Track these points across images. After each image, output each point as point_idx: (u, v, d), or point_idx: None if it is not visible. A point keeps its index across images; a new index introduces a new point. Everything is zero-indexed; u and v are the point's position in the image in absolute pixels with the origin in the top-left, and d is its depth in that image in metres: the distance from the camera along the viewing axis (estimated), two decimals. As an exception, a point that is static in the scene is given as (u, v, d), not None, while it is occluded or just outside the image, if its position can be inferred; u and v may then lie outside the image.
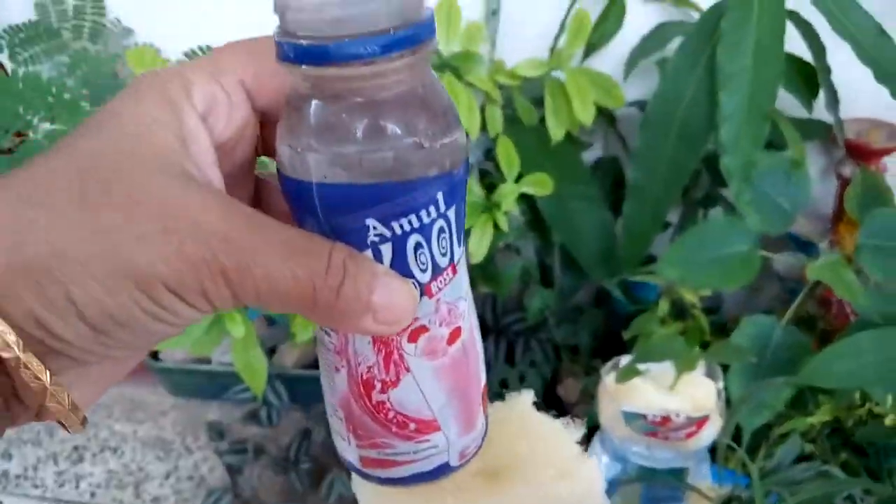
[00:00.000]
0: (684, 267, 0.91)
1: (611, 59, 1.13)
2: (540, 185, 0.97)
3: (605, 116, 1.20)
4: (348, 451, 0.28)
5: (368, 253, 0.23)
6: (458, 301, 0.26)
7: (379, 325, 0.23)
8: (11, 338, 0.19)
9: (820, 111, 1.13)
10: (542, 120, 1.04)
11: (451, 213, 0.24)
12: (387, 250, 0.23)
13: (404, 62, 0.21)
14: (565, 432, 0.31)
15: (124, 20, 1.19)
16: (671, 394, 0.70)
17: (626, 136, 1.20)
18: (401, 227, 0.22)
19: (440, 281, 0.24)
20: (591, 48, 1.07)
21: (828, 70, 1.01)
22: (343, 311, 0.22)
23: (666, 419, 0.67)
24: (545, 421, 0.31)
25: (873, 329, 0.86)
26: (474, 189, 0.93)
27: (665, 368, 0.71)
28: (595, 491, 0.30)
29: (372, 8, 0.20)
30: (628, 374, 0.71)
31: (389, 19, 0.20)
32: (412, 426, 0.26)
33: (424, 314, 0.24)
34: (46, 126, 0.93)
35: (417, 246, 0.23)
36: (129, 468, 1.65)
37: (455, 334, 0.26)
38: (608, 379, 0.70)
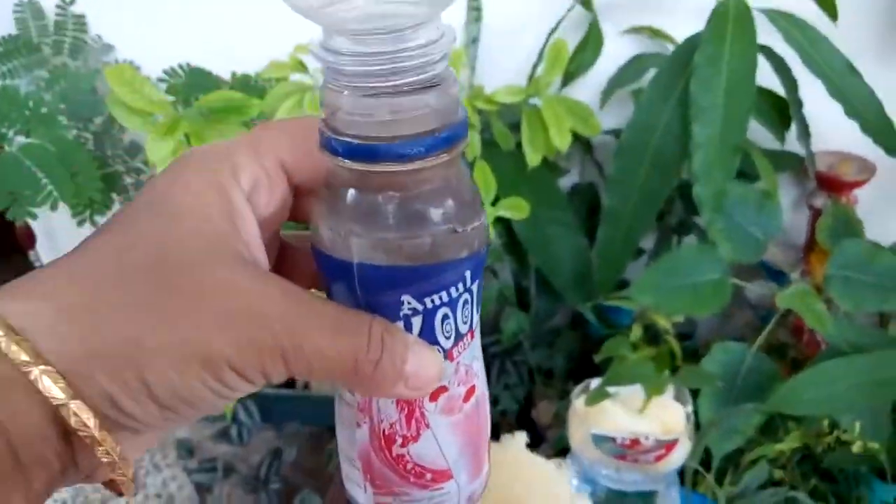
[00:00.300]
0: (657, 293, 0.92)
1: (588, 88, 1.14)
2: (516, 209, 0.98)
3: (582, 144, 1.22)
4: (364, 497, 0.30)
5: (400, 324, 0.25)
6: (473, 362, 0.28)
7: (409, 390, 0.25)
8: (91, 419, 0.21)
9: (792, 143, 1.16)
10: (519, 145, 1.05)
11: (475, 287, 0.26)
12: (417, 322, 0.25)
13: (443, 159, 0.23)
14: (557, 473, 0.34)
15: (105, 36, 1.19)
16: (641, 417, 0.71)
17: (603, 164, 1.22)
18: (432, 301, 0.25)
19: (461, 346, 0.27)
20: (568, 77, 1.09)
21: (799, 103, 1.03)
22: (379, 380, 0.24)
23: (635, 442, 0.68)
24: (538, 462, 0.36)
25: (841, 357, 0.87)
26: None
27: (635, 392, 0.71)
28: None
29: (418, 114, 0.22)
30: (598, 397, 0.71)
31: (432, 122, 0.23)
32: (428, 476, 0.28)
33: (445, 376, 0.27)
34: (21, 139, 0.93)
35: (444, 317, 0.26)
36: (95, 485, 1.62)
37: (470, 392, 0.28)
38: (578, 402, 0.71)
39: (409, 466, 0.28)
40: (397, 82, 0.22)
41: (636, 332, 0.93)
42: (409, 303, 0.25)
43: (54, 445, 0.22)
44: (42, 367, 0.21)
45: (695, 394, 0.85)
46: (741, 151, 0.85)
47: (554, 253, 1.06)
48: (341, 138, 0.23)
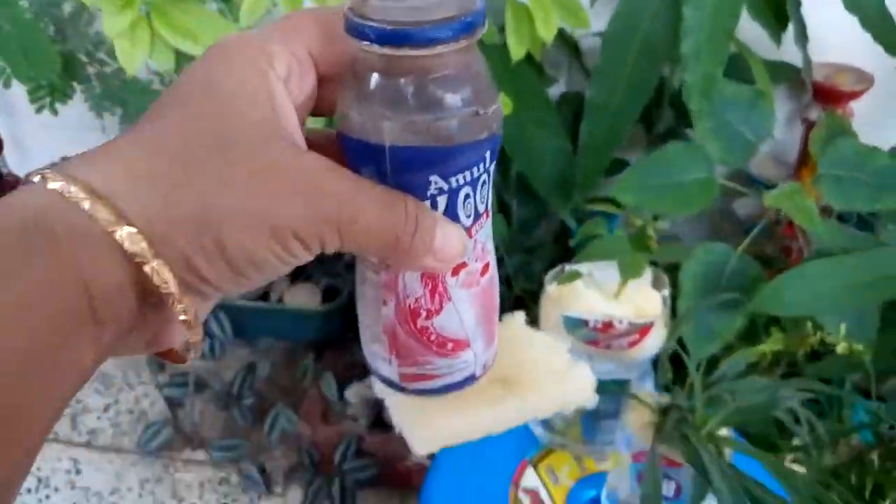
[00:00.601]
0: (640, 192, 0.88)
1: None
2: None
3: (570, 48, 1.17)
4: (388, 369, 0.32)
5: (427, 203, 0.27)
6: (487, 240, 0.30)
7: (438, 262, 0.27)
8: (171, 278, 0.23)
9: (788, 54, 1.11)
10: (505, 45, 1.00)
11: (492, 168, 0.28)
12: (442, 201, 0.27)
13: (465, 44, 0.25)
14: (556, 343, 0.37)
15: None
16: (615, 302, 0.67)
17: (591, 70, 1.16)
18: (456, 181, 0.27)
19: (479, 224, 0.29)
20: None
21: (797, 2, 0.98)
22: (414, 253, 0.26)
23: (608, 325, 0.64)
24: (538, 335, 0.37)
25: (828, 258, 0.84)
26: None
27: (611, 277, 0.68)
28: (589, 390, 0.36)
29: (442, 1, 0.24)
30: (571, 276, 0.68)
31: (454, 8, 0.24)
32: (450, 345, 0.31)
33: (466, 252, 0.29)
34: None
35: (466, 196, 0.27)
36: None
37: (486, 267, 0.30)
38: (551, 287, 0.67)
39: (433, 337, 0.30)
40: None
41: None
42: (435, 182, 0.26)
43: (130, 303, 0.23)
44: (126, 227, 0.22)
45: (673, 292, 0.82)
46: (732, 37, 0.80)
47: (536, 155, 1.02)
48: (371, 24, 0.24)
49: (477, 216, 0.29)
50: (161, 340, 0.27)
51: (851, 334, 0.83)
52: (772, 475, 0.56)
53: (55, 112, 1.03)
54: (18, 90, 1.07)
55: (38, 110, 1.00)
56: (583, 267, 0.69)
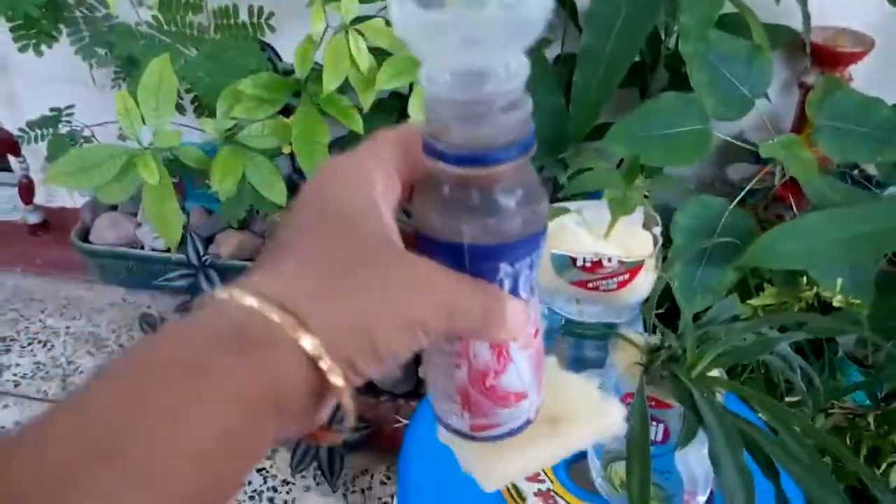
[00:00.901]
0: (632, 143, 0.87)
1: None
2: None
3: (568, 9, 1.15)
4: (460, 422, 0.37)
5: (496, 285, 0.32)
6: (538, 308, 0.36)
7: (507, 334, 0.33)
8: (341, 378, 0.28)
9: (786, 17, 1.10)
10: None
11: (542, 251, 0.33)
12: (507, 283, 0.33)
13: (525, 159, 0.30)
14: (588, 383, 0.42)
15: None
16: (605, 241, 0.66)
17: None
18: (519, 265, 0.32)
19: (533, 297, 0.35)
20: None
21: (798, -43, 0.97)
22: (494, 329, 0.33)
23: (597, 265, 0.63)
24: (571, 376, 0.43)
25: (824, 210, 0.83)
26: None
27: (601, 217, 0.67)
28: (621, 421, 0.42)
29: (506, 129, 0.29)
30: (559, 212, 0.66)
31: (514, 132, 0.29)
32: (512, 398, 0.36)
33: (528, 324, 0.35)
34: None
35: (525, 276, 0.33)
36: (57, 361, 1.58)
37: (537, 330, 0.36)
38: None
39: (499, 393, 0.36)
40: (491, 107, 0.28)
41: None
42: (503, 269, 0.32)
43: (305, 396, 0.28)
44: (308, 336, 0.27)
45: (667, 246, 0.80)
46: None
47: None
48: (448, 149, 0.29)
49: (532, 291, 0.34)
50: (316, 421, 0.31)
51: (848, 290, 0.82)
52: (767, 419, 0.55)
53: (40, 53, 1.01)
54: (8, 47, 1.05)
55: (22, 49, 0.97)
56: (572, 204, 0.68)
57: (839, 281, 0.82)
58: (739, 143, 0.96)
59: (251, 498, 1.31)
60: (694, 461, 0.64)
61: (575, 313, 0.68)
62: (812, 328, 0.86)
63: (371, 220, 0.31)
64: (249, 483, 1.33)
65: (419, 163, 0.31)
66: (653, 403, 0.60)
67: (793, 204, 1.08)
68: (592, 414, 0.42)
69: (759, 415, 0.76)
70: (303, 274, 0.29)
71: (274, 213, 1.22)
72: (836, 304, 0.80)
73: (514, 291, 0.33)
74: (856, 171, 1.11)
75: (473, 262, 0.32)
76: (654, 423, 0.62)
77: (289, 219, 0.32)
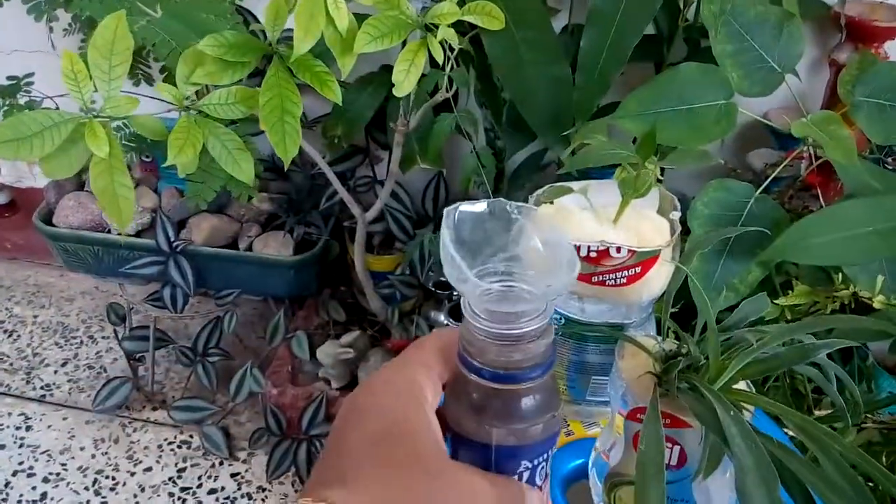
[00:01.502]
0: (646, 119, 0.76)
1: None
2: (488, 17, 0.81)
3: (577, -26, 1.05)
4: None
5: (515, 476, 0.38)
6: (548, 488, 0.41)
7: None
8: None
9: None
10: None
11: (555, 446, 0.39)
12: (526, 474, 0.38)
13: (548, 375, 0.36)
14: None
15: None
16: (613, 228, 0.55)
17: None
18: (537, 461, 0.38)
19: (546, 482, 0.40)
20: None
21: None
22: None
23: (603, 254, 0.53)
24: None
25: (862, 198, 0.72)
26: (402, 4, 0.77)
27: (609, 200, 0.56)
28: None
29: (532, 354, 0.34)
30: (560, 191, 0.56)
31: (540, 358, 0.34)
32: None
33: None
34: None
35: (542, 468, 0.38)
36: (23, 353, 1.49)
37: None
38: (538, 210, 0.54)
39: None
40: (520, 338, 0.34)
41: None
42: (524, 464, 0.37)
43: None
44: None
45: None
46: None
47: (529, 83, 0.90)
48: (486, 367, 0.34)
49: (545, 476, 0.39)
50: None
51: (889, 289, 0.72)
52: (803, 439, 0.45)
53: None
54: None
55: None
56: (575, 184, 0.58)
57: (879, 279, 0.72)
58: (766, 122, 0.85)
59: (223, 505, 1.21)
60: (714, 488, 0.53)
61: (576, 311, 0.58)
62: (855, 332, 0.75)
63: (429, 440, 0.36)
64: (222, 489, 1.23)
65: (454, 366, 0.37)
66: (668, 421, 0.50)
67: (820, 194, 0.98)
68: None
69: (786, 430, 0.66)
70: (364, 486, 0.34)
71: (249, 195, 1.12)
72: (875, 304, 0.70)
73: (531, 481, 0.38)
74: (890, 159, 1.00)
75: (499, 459, 0.37)
76: (669, 446, 0.52)
77: (351, 432, 0.37)
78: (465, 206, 0.36)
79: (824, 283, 0.79)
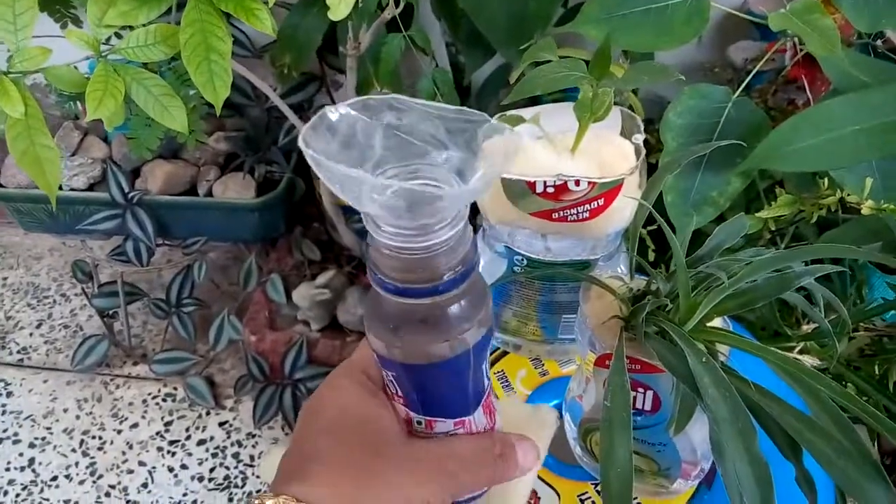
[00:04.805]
0: (610, 22, 0.69)
1: None
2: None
3: None
4: None
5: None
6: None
7: (521, 473, 0.42)
8: None
9: None
10: None
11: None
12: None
13: (466, 286, 0.32)
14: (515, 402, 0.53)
15: None
16: (571, 157, 0.50)
17: None
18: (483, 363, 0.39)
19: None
20: None
21: None
22: (506, 476, 0.41)
23: (562, 188, 0.47)
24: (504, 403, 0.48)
25: (848, 94, 0.66)
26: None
27: (566, 125, 0.50)
28: (555, 424, 0.48)
29: (445, 266, 0.31)
30: (510, 120, 0.50)
31: (456, 266, 0.31)
32: None
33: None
34: None
35: (485, 366, 0.39)
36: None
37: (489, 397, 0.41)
38: (487, 142, 0.47)
39: None
40: (430, 250, 0.30)
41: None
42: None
43: None
44: None
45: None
46: None
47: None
48: (404, 285, 0.31)
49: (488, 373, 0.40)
50: None
51: (878, 193, 0.67)
52: (785, 380, 0.40)
53: None
54: None
55: None
56: (527, 111, 0.51)
57: (868, 181, 0.66)
58: (742, 15, 0.78)
59: (213, 455, 1.19)
60: (692, 430, 0.50)
61: (541, 251, 0.53)
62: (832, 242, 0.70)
63: (382, 421, 0.38)
64: (211, 439, 1.22)
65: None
66: (638, 367, 0.46)
67: (806, 85, 0.91)
68: (530, 430, 0.44)
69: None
70: (324, 479, 0.35)
71: (198, 139, 1.05)
72: (864, 211, 0.65)
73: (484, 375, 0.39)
74: (879, 42, 0.93)
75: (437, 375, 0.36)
76: (642, 391, 0.48)
77: (308, 430, 0.38)
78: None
79: (812, 185, 0.73)
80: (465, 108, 0.30)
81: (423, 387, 0.37)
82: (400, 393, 0.38)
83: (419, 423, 0.39)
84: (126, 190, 1.16)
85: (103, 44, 0.73)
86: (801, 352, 0.69)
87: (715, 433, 0.39)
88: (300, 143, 0.27)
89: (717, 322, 0.47)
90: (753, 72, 0.74)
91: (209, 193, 1.20)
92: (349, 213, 1.20)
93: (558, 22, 0.90)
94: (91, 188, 1.19)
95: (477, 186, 0.29)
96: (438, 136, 0.30)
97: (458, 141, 0.30)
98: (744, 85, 0.73)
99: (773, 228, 0.72)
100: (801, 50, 0.88)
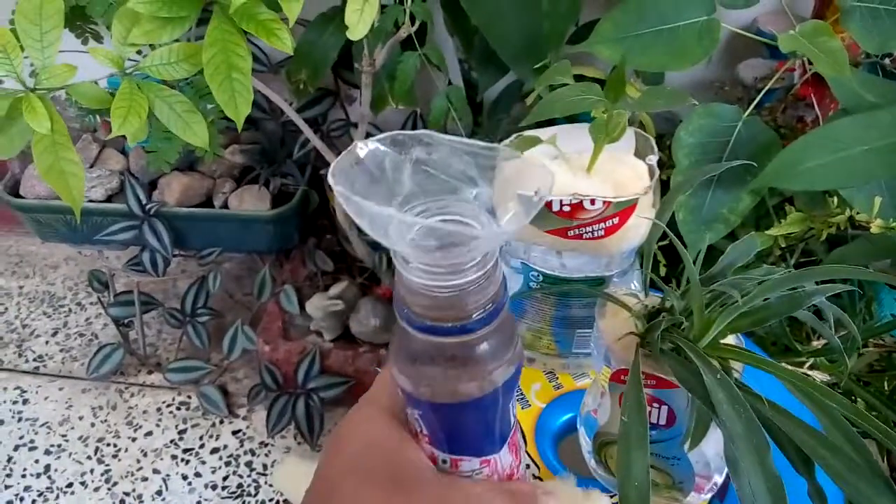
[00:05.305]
0: (622, 42, 0.71)
1: None
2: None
3: None
4: None
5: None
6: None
7: None
8: None
9: None
10: None
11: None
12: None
13: (495, 325, 0.32)
14: (567, 483, 0.50)
15: None
16: (587, 177, 0.51)
17: None
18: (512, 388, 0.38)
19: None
20: None
21: None
22: None
23: (578, 207, 0.48)
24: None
25: (858, 115, 0.67)
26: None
27: (581, 146, 0.52)
28: None
29: (476, 304, 0.30)
30: (527, 141, 0.52)
31: (486, 304, 0.30)
32: None
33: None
34: None
35: (513, 405, 0.39)
36: (12, 325, 1.47)
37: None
38: (505, 163, 0.48)
39: None
40: (460, 287, 0.29)
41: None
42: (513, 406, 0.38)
43: None
44: None
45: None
46: None
47: (500, 9, 0.83)
48: (435, 323, 0.30)
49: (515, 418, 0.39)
50: None
51: (888, 212, 0.68)
52: (797, 397, 0.42)
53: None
54: None
55: None
56: (543, 132, 0.53)
57: (877, 200, 0.68)
58: (751, 35, 0.79)
59: (227, 463, 1.21)
60: (706, 444, 0.51)
61: (556, 267, 0.54)
62: (841, 260, 0.71)
63: (406, 455, 0.36)
64: (225, 447, 1.23)
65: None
66: (654, 382, 0.47)
67: (815, 103, 0.92)
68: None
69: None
70: None
71: (215, 153, 1.07)
72: (873, 229, 0.66)
73: (510, 414, 0.38)
74: (887, 61, 0.94)
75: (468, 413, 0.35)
76: (657, 406, 0.49)
77: (332, 469, 0.37)
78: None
79: (821, 203, 0.75)
80: (496, 144, 0.30)
81: (450, 425, 0.36)
82: (425, 431, 0.37)
83: (444, 461, 0.38)
84: (143, 201, 1.18)
85: (127, 61, 0.75)
86: (811, 367, 0.70)
87: (730, 449, 0.40)
88: (329, 179, 0.27)
89: (730, 339, 0.48)
90: (764, 90, 0.76)
91: (225, 205, 1.22)
92: (362, 225, 1.21)
93: (570, 39, 0.92)
94: (109, 199, 1.21)
95: (510, 228, 0.28)
96: (469, 173, 0.30)
97: (488, 177, 0.30)
98: (755, 103, 0.74)
99: (783, 245, 0.73)
100: (810, 68, 0.89)
